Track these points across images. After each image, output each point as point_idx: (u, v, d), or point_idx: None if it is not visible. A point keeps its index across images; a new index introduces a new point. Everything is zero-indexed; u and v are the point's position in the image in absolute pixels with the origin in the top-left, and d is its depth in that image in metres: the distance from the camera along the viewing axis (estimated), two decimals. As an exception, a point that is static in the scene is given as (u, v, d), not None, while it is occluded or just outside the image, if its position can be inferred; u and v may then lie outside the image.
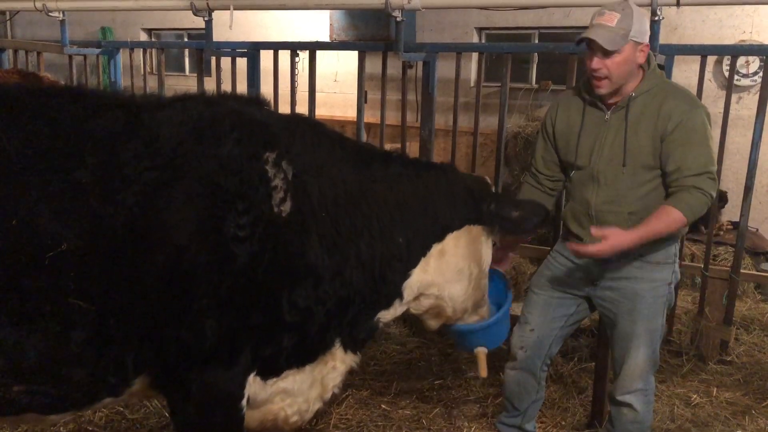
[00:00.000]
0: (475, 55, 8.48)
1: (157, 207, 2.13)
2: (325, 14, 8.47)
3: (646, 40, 2.88)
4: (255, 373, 2.42)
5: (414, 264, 2.62)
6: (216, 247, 2.18)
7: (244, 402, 2.41)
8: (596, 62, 2.84)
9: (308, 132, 2.55)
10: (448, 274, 2.69)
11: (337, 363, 2.61)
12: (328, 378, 2.63)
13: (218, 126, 2.30)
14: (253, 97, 2.64)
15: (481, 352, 3.00)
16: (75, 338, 2.09)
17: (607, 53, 2.80)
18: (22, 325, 2.04)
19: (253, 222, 2.22)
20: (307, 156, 2.43)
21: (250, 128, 2.35)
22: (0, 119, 2.10)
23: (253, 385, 2.44)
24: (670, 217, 2.80)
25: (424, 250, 2.63)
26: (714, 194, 2.83)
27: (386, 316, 2.70)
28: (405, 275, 2.62)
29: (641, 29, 2.84)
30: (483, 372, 3.00)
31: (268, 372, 2.46)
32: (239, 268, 2.21)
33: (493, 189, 2.86)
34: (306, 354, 2.51)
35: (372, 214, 2.51)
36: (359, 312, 2.57)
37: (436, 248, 2.64)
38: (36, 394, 2.14)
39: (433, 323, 2.93)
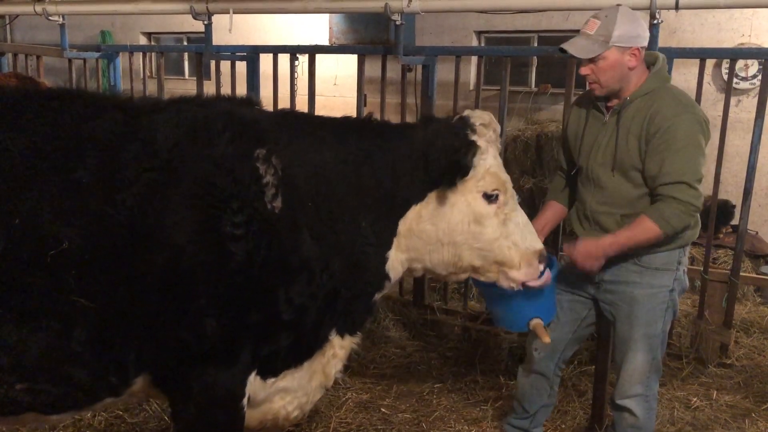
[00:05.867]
0: (474, 59, 8.50)
1: (156, 207, 2.16)
2: (325, 18, 8.48)
3: (637, 43, 2.86)
4: (255, 372, 2.43)
5: (387, 246, 2.53)
6: (213, 246, 2.20)
7: (245, 401, 2.42)
8: (583, 69, 2.94)
9: (294, 122, 2.58)
10: (423, 246, 2.53)
11: (336, 350, 2.60)
12: (330, 366, 2.62)
13: (211, 127, 2.33)
14: (245, 98, 2.67)
15: (538, 324, 2.86)
16: (76, 336, 2.12)
17: (591, 59, 2.86)
18: (26, 323, 2.07)
19: (248, 220, 2.24)
20: (292, 146, 2.43)
21: (241, 127, 2.38)
22: (2, 121, 2.14)
23: (253, 384, 2.45)
24: (642, 226, 2.83)
25: (392, 230, 2.51)
26: (695, 203, 2.79)
27: (380, 294, 2.65)
28: (383, 259, 2.53)
29: (627, 34, 2.83)
30: (546, 338, 2.86)
31: (267, 372, 2.47)
32: (236, 266, 2.22)
33: (478, 130, 2.47)
34: (302, 353, 2.52)
35: (343, 198, 2.44)
36: (349, 302, 2.53)
37: (402, 226, 2.51)
38: (38, 393, 2.17)
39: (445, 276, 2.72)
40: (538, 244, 2.64)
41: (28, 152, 2.10)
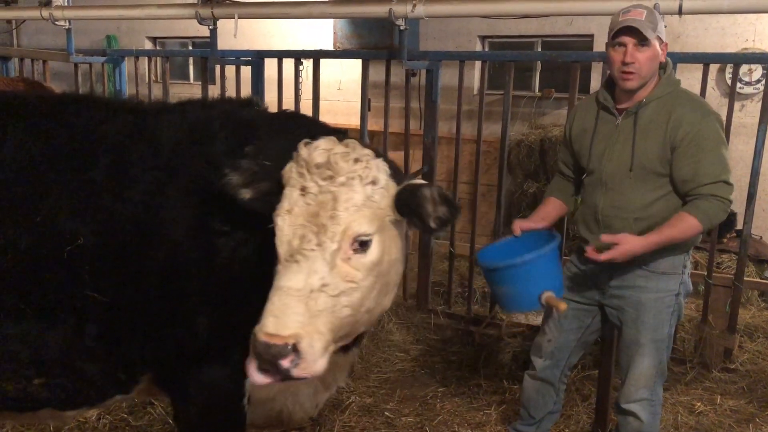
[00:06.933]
0: (478, 63, 8.48)
1: (158, 205, 2.23)
2: (329, 23, 8.51)
3: (665, 39, 2.95)
4: None
5: None
6: (204, 243, 2.25)
7: (245, 401, 2.44)
8: (629, 55, 2.85)
9: (285, 121, 2.62)
10: None
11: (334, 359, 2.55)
12: (328, 375, 2.57)
13: (209, 127, 2.39)
14: (246, 99, 2.71)
15: (550, 297, 2.80)
16: (89, 332, 2.18)
17: (640, 45, 2.84)
18: (44, 318, 2.14)
19: (233, 216, 2.25)
20: (274, 143, 2.39)
21: (235, 126, 2.42)
22: (22, 124, 2.23)
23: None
24: (685, 224, 2.83)
25: None
26: (731, 198, 2.84)
27: None
28: None
29: (662, 28, 2.91)
30: (563, 305, 2.79)
31: None
32: (222, 263, 2.26)
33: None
34: None
35: None
36: None
37: None
38: (54, 388, 2.24)
39: None
40: (261, 327, 1.88)
41: (48, 153, 2.19)
